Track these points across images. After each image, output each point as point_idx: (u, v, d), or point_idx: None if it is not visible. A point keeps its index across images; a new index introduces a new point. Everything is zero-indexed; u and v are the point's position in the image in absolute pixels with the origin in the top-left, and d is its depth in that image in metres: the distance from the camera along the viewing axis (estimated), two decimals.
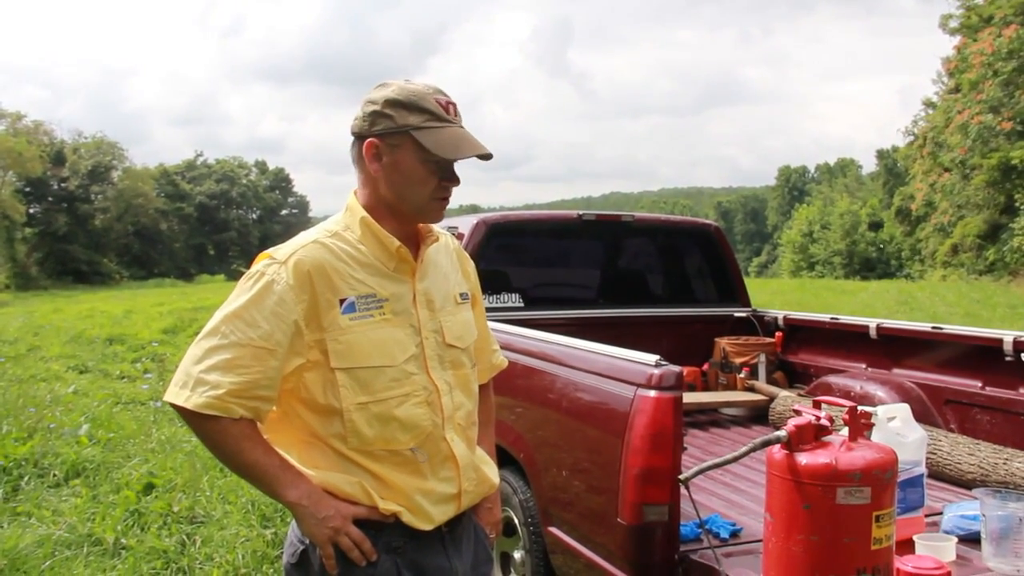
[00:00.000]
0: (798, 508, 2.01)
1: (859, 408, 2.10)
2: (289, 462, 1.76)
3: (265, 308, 1.70)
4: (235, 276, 52.93)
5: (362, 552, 1.75)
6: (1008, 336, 3.50)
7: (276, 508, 4.93)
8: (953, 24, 34.06)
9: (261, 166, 78.51)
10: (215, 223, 67.60)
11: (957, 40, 32.38)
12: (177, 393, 1.69)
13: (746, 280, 5.18)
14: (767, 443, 2.06)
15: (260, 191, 74.16)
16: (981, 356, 3.65)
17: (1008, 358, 3.48)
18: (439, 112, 1.77)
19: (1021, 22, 25.99)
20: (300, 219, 77.62)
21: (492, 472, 2.01)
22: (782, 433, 2.04)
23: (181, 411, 1.70)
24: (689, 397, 4.61)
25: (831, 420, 2.07)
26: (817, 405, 2.15)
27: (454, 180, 1.82)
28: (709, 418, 4.62)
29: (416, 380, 1.80)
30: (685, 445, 3.36)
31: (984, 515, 2.42)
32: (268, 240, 70.57)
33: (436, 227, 1.95)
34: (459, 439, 1.87)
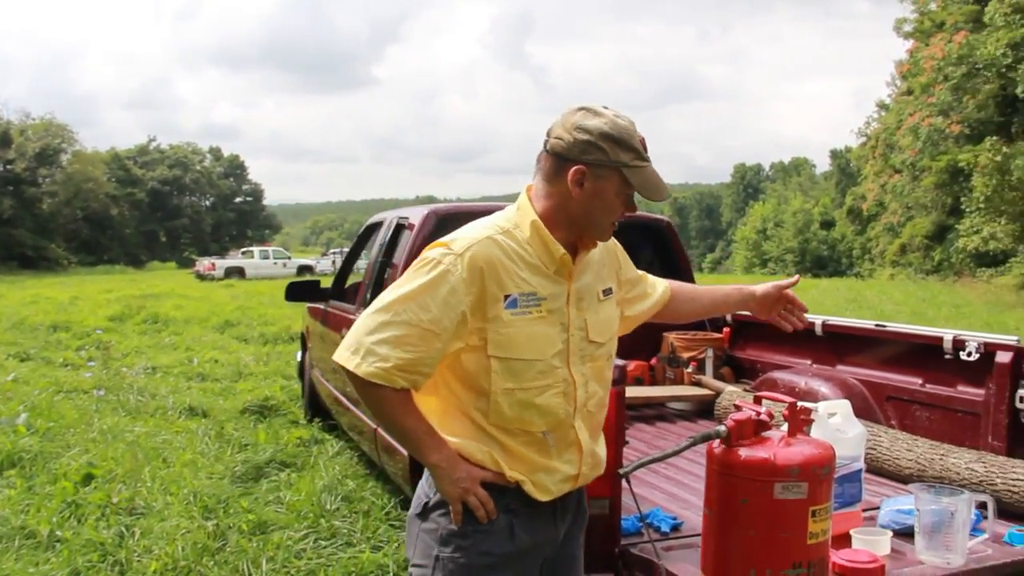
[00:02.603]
0: (736, 502, 2.02)
1: (799, 404, 2.10)
2: (433, 428, 1.91)
3: (438, 295, 1.83)
4: (187, 264, 52.26)
5: (486, 511, 1.90)
6: (948, 335, 3.55)
7: (219, 500, 4.86)
8: (907, 28, 34.63)
9: (215, 152, 77.50)
10: (167, 209, 66.59)
11: (911, 44, 32.93)
12: (349, 358, 1.85)
13: (700, 276, 5.21)
14: (707, 438, 2.06)
15: (214, 178, 73.15)
16: (922, 354, 3.70)
17: (947, 356, 3.53)
18: (641, 151, 1.90)
19: (971, 29, 26.46)
20: (254, 207, 76.87)
21: (603, 452, 2.12)
22: (722, 428, 2.04)
23: (350, 375, 1.86)
24: (636, 391, 4.63)
25: (771, 416, 2.07)
26: (758, 401, 2.16)
27: (631, 209, 1.97)
28: (656, 412, 4.64)
29: (558, 373, 1.93)
30: (628, 439, 3.37)
31: (918, 509, 2.45)
32: (221, 227, 70.02)
33: None
34: (585, 427, 2.00)
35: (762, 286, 2.39)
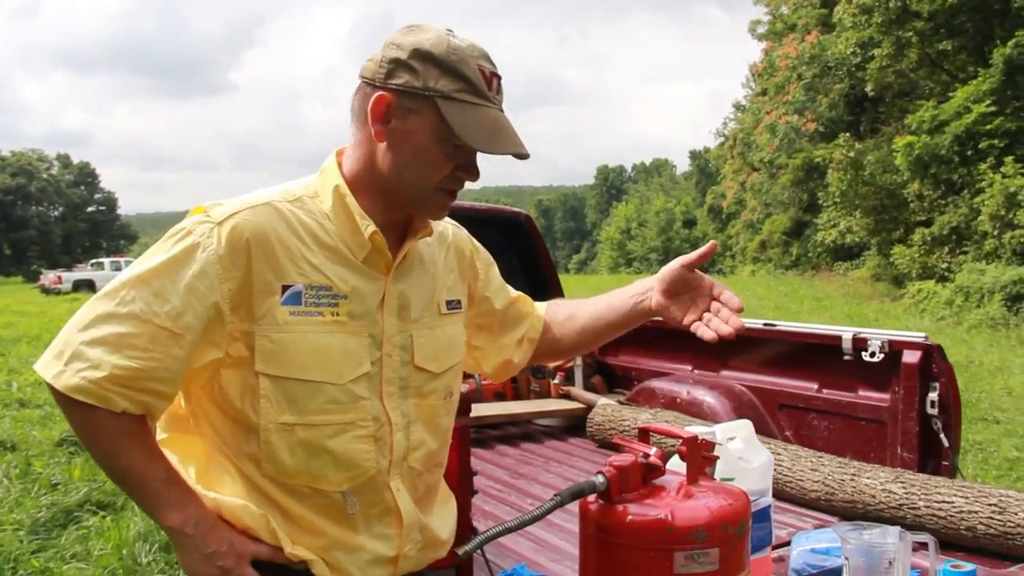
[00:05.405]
0: None
1: (700, 437, 1.55)
2: (178, 476, 1.37)
3: (180, 279, 1.29)
4: (34, 277, 49.05)
5: None
6: (847, 333, 3.14)
7: (7, 559, 4.07)
8: (761, 30, 35.76)
9: (64, 160, 74.04)
10: (11, 220, 62.90)
11: (765, 46, 33.97)
12: (49, 364, 1.29)
13: (566, 277, 4.73)
14: (578, 494, 1.47)
15: (63, 187, 69.64)
16: (818, 355, 3.29)
17: (847, 357, 3.12)
18: (478, 83, 1.34)
19: (821, 31, 27.33)
20: (108, 217, 74.04)
21: (445, 525, 1.57)
22: (599, 479, 1.46)
23: (50, 388, 1.30)
24: (497, 408, 4.12)
25: (663, 457, 1.51)
26: (644, 437, 1.59)
27: (472, 173, 1.40)
28: (521, 431, 4.11)
29: (364, 407, 1.39)
30: (477, 469, 2.81)
31: (847, 559, 1.95)
32: (72, 239, 66.53)
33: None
34: (406, 489, 1.46)
35: (661, 271, 1.66)
